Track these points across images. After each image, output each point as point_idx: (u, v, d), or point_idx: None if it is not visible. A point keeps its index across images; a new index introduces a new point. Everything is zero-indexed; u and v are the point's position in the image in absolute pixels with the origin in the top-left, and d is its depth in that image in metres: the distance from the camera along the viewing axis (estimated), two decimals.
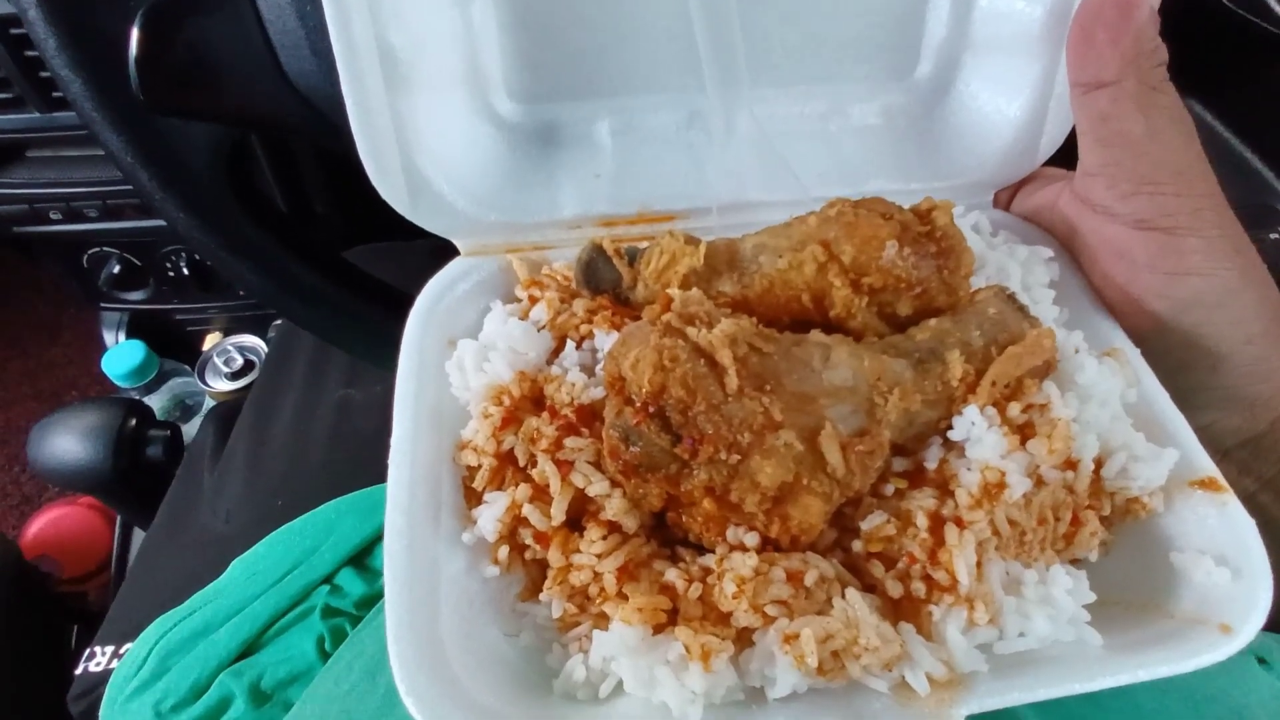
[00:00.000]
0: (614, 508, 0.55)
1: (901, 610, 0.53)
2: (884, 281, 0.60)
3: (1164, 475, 0.58)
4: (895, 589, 0.53)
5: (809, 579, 0.51)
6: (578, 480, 0.56)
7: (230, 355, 1.85)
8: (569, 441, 0.57)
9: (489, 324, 0.65)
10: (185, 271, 1.74)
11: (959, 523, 0.53)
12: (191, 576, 0.96)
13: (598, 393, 0.59)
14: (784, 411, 0.52)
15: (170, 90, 0.76)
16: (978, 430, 0.54)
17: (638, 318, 0.61)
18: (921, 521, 0.53)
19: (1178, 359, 0.66)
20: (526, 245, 0.73)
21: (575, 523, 0.57)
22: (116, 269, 1.74)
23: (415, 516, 0.56)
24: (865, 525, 0.54)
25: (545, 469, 0.57)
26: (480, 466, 0.59)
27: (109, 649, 1.06)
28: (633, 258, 0.66)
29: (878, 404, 0.55)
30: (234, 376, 1.79)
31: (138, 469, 1.50)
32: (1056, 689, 0.50)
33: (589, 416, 0.59)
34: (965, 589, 0.51)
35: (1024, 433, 0.55)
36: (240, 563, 0.95)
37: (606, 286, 0.66)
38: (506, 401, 0.60)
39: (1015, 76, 0.75)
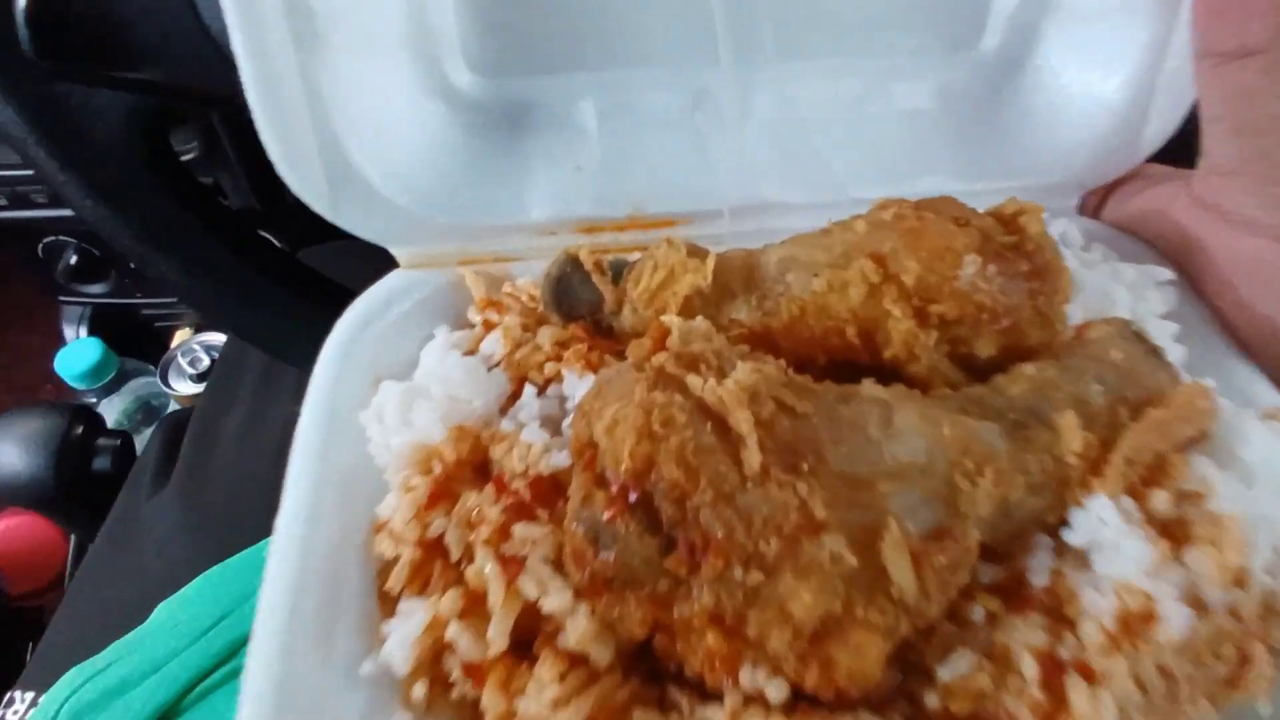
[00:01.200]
0: (578, 632, 0.38)
1: None
2: (961, 311, 0.43)
3: None
4: None
5: None
6: (528, 588, 0.39)
7: (196, 355, 1.68)
8: (519, 529, 0.41)
9: (425, 359, 0.48)
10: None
11: (1087, 674, 0.35)
12: (119, 617, 0.83)
13: (563, 459, 0.43)
14: (828, 505, 0.35)
15: (69, 49, 0.62)
16: (1110, 532, 0.37)
17: (623, 354, 0.44)
18: (1029, 668, 0.36)
19: None
20: (485, 256, 0.57)
21: (525, 646, 0.40)
22: (74, 259, 1.59)
23: (296, 637, 0.39)
24: (945, 673, 0.37)
25: (484, 569, 0.40)
26: (399, 559, 0.43)
27: (29, 695, 0.92)
28: (618, 273, 0.49)
29: (962, 490, 0.38)
30: (200, 378, 1.62)
31: (84, 482, 1.36)
32: None
33: (550, 492, 0.42)
34: None
35: (1174, 535, 0.38)
36: (165, 607, 0.82)
37: (582, 310, 0.49)
38: (437, 469, 0.43)
39: (1112, 45, 0.58)
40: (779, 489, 0.34)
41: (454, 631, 0.39)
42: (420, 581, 0.42)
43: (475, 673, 0.39)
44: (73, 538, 1.63)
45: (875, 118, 0.63)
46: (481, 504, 0.42)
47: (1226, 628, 0.39)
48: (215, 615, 0.77)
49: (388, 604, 0.43)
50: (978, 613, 0.39)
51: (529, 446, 0.43)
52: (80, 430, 1.36)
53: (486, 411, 0.47)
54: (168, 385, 1.71)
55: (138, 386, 1.78)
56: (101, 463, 1.37)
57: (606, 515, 0.35)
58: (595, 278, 0.49)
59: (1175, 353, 0.51)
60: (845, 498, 0.36)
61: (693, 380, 0.37)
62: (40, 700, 0.83)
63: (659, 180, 0.58)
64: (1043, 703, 0.35)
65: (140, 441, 1.39)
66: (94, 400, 1.78)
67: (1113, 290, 0.54)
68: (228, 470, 1.04)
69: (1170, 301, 0.55)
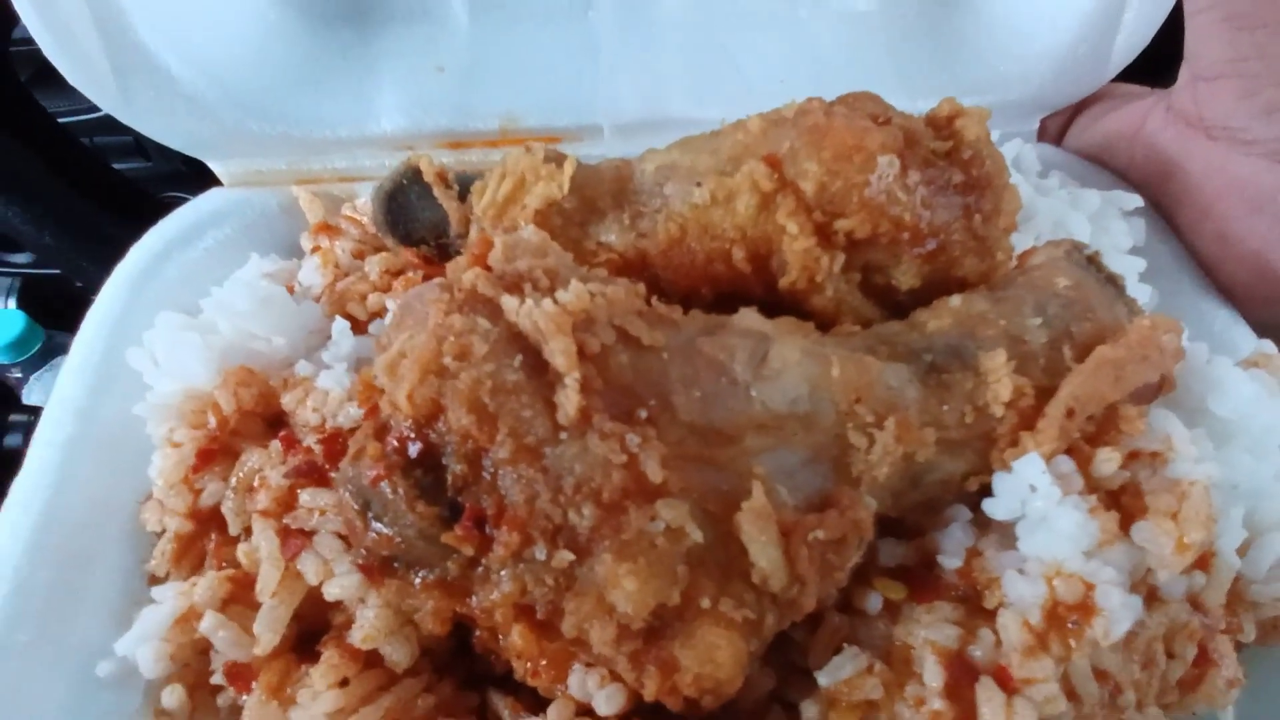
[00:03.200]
0: (368, 624, 0.30)
1: None
2: (873, 227, 0.34)
3: None
4: None
5: None
6: (309, 570, 0.31)
7: None
8: (306, 496, 0.32)
9: (218, 293, 0.39)
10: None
11: (1005, 680, 0.27)
12: None
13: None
14: (669, 464, 0.26)
15: None
16: (1041, 501, 0.29)
17: None
18: (932, 673, 0.28)
19: None
20: (326, 174, 0.48)
21: (311, 641, 0.32)
22: None
23: (18, 613, 0.31)
24: (825, 677, 0.29)
25: (260, 545, 0.31)
26: (165, 532, 0.34)
27: None
28: (465, 188, 0.40)
29: (855, 447, 0.29)
30: None
31: None
32: None
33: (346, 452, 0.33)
34: None
35: (1124, 505, 0.30)
36: None
37: (423, 231, 0.40)
38: (211, 422, 0.35)
39: None
40: (601, 442, 0.26)
41: (210, 626, 0.30)
42: (191, 561, 0.34)
43: (240, 675, 0.31)
44: None
45: (806, 21, 0.54)
46: (265, 465, 0.33)
47: (1183, 620, 0.31)
48: None
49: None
50: (874, 602, 0.30)
51: (326, 394, 0.34)
52: None
53: (291, 351, 0.38)
54: None
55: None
56: (13, 440, 1.30)
57: (372, 475, 0.26)
58: (438, 192, 0.40)
59: (1141, 294, 0.43)
60: (695, 455, 0.27)
61: (508, 302, 0.28)
62: None
63: (538, 87, 0.48)
64: (946, 714, 0.27)
65: None
66: (19, 375, 1.67)
67: (1070, 220, 0.45)
68: None
69: (1138, 234, 0.46)
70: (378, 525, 0.27)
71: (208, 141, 0.45)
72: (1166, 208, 0.48)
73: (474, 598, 0.27)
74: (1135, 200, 0.45)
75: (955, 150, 0.37)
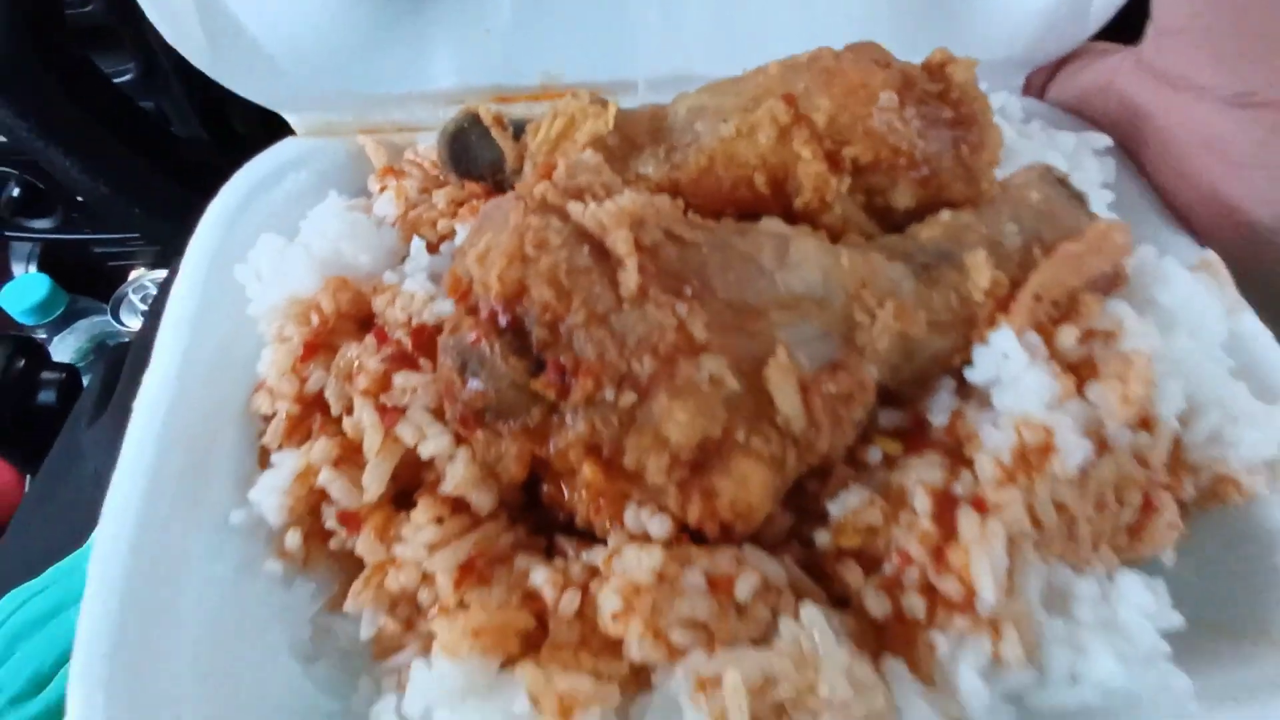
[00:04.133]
0: (457, 476, 0.36)
1: (888, 637, 0.34)
2: (875, 154, 0.41)
3: (1275, 443, 0.40)
4: (879, 604, 0.34)
5: (742, 589, 0.32)
6: (406, 434, 0.37)
7: (147, 291, 1.62)
8: (399, 378, 0.38)
9: (311, 219, 0.45)
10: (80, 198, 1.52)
11: (980, 506, 0.34)
12: (59, 544, 0.81)
13: (448, 308, 0.40)
14: (711, 329, 0.33)
15: None
16: (1012, 367, 0.36)
17: None
18: (922, 503, 0.34)
19: None
20: (387, 125, 0.54)
21: (408, 498, 0.38)
22: (17, 191, 1.52)
23: (160, 487, 0.37)
24: (836, 508, 0.35)
25: (362, 417, 0.38)
26: (275, 415, 0.40)
27: None
28: (520, 131, 0.47)
29: (860, 324, 0.36)
30: None
31: (28, 416, 1.32)
32: None
33: (432, 343, 0.39)
34: (989, 607, 0.32)
35: (1081, 373, 0.37)
36: None
37: (482, 168, 0.47)
38: (315, 320, 0.41)
39: None
40: (657, 310, 0.32)
41: (326, 478, 0.37)
42: (299, 437, 0.40)
43: (351, 521, 0.37)
44: (28, 479, 1.60)
45: None
46: (361, 355, 0.39)
47: (1130, 471, 0.37)
48: None
49: (267, 461, 0.40)
50: (875, 455, 0.37)
51: (412, 296, 0.40)
52: (23, 363, 1.32)
53: (374, 268, 0.44)
54: (120, 322, 1.66)
55: (90, 326, 1.72)
56: (46, 396, 1.34)
57: (472, 338, 0.32)
58: (495, 133, 0.46)
59: None
60: (731, 324, 0.33)
61: (574, 206, 0.34)
62: None
63: (574, 47, 0.54)
64: (933, 534, 0.34)
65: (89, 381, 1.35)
66: (44, 337, 1.73)
67: (1048, 158, 0.51)
68: None
69: (1109, 172, 0.52)
70: (474, 382, 0.33)
71: (284, 96, 0.52)
72: (1134, 149, 0.54)
73: (551, 442, 0.34)
74: (1105, 140, 0.52)
75: (946, 91, 0.44)
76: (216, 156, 0.78)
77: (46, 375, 1.37)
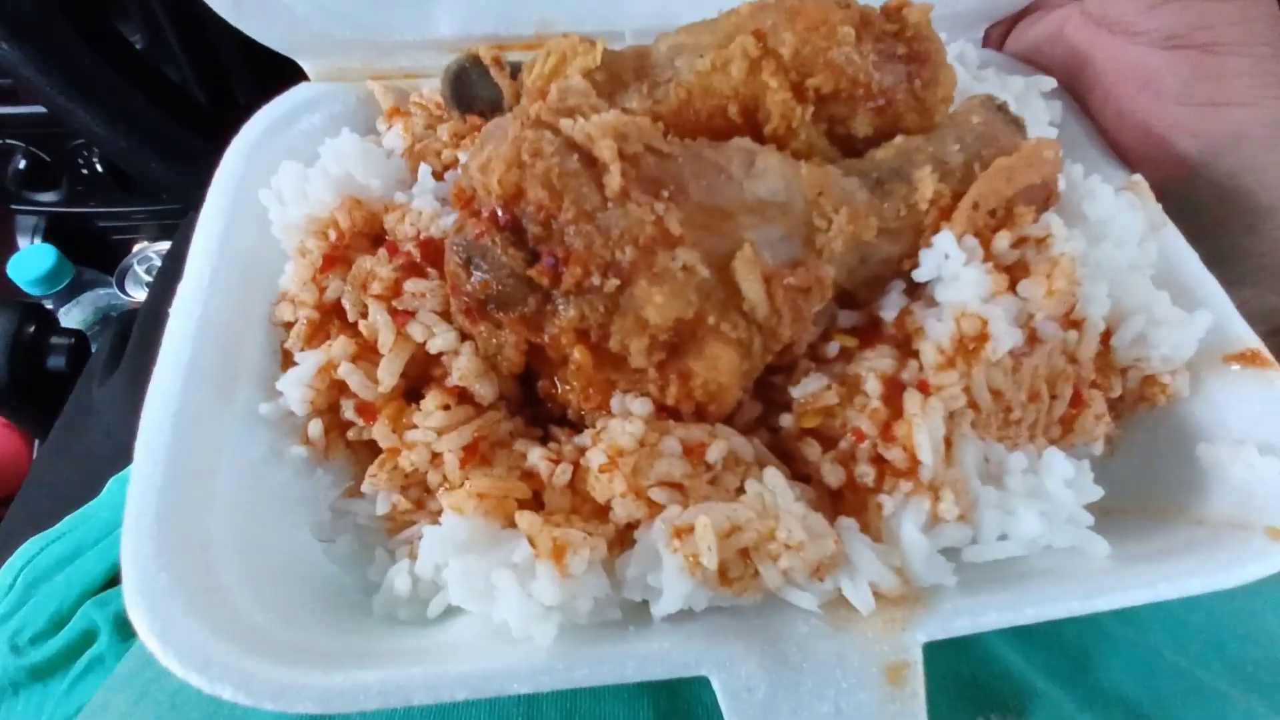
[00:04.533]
0: (462, 368, 0.41)
1: (843, 503, 0.39)
2: (836, 85, 0.45)
3: (1193, 345, 0.44)
4: (835, 475, 0.39)
5: (714, 453, 0.37)
6: (416, 333, 0.42)
7: (152, 263, 1.66)
8: (410, 285, 0.43)
9: (327, 148, 0.49)
10: (100, 170, 1.55)
11: (923, 388, 0.39)
12: (73, 495, 0.85)
13: (453, 223, 0.45)
14: (686, 225, 0.37)
15: None
16: (952, 265, 0.40)
17: None
18: (873, 387, 0.39)
19: (1209, 217, 0.52)
20: (394, 71, 0.58)
21: (416, 395, 0.43)
22: (22, 164, 1.55)
23: (196, 380, 0.41)
24: (797, 392, 0.40)
25: (376, 319, 0.42)
26: (297, 322, 0.45)
27: None
28: (516, 71, 0.51)
29: (818, 228, 0.40)
30: None
31: (38, 379, 1.36)
32: (1048, 608, 0.36)
33: (439, 254, 0.44)
34: (929, 473, 0.37)
35: (1014, 274, 0.41)
36: (116, 481, 0.83)
37: (481, 104, 0.51)
38: (332, 236, 0.45)
39: None
40: (637, 208, 0.37)
41: (345, 371, 0.41)
42: (319, 340, 0.45)
43: (367, 411, 0.42)
44: (36, 443, 1.63)
45: None
46: (374, 266, 0.44)
47: (1059, 366, 0.42)
48: None
49: (289, 364, 0.45)
50: (833, 348, 0.42)
51: (420, 213, 0.45)
52: (33, 329, 1.35)
53: (384, 192, 0.48)
54: (125, 292, 1.70)
55: (96, 297, 1.76)
56: (56, 361, 1.37)
57: (475, 234, 0.37)
58: (494, 73, 0.50)
59: None
60: (703, 224, 0.38)
61: (565, 122, 0.39)
62: None
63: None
64: (882, 412, 0.38)
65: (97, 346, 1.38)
66: (50, 307, 1.76)
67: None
68: None
69: (1055, 113, 0.57)
70: (477, 273, 0.37)
71: (300, 43, 0.56)
72: (1080, 94, 0.58)
73: (545, 329, 0.38)
74: (1051, 83, 0.56)
75: (901, 31, 0.48)
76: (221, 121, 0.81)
77: (56, 340, 1.41)
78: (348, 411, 0.42)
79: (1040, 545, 0.38)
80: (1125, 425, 0.48)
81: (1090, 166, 0.54)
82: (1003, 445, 0.40)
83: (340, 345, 0.42)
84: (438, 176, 0.49)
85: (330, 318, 0.45)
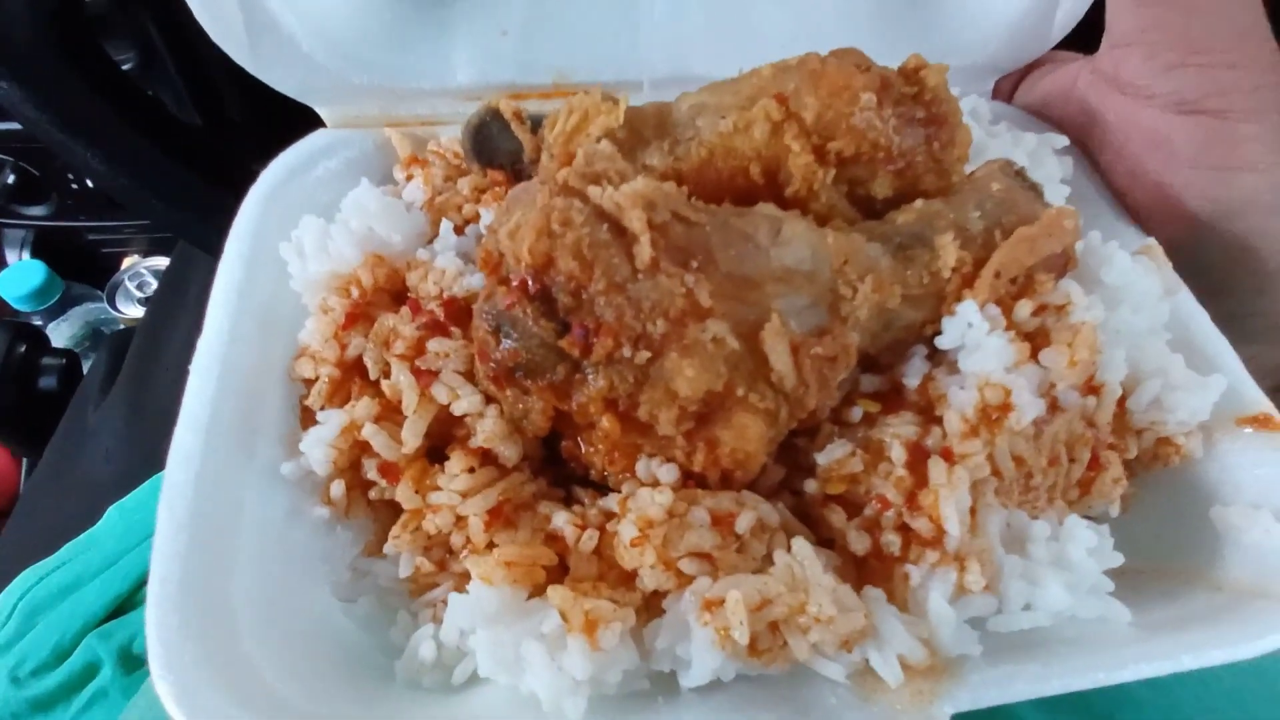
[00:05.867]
0: (487, 431, 0.41)
1: (868, 571, 0.39)
2: (857, 148, 0.46)
3: (1207, 409, 0.45)
4: (860, 542, 0.39)
5: (742, 524, 0.37)
6: (440, 394, 0.41)
7: (143, 278, 1.65)
8: (433, 344, 0.43)
9: (347, 201, 0.49)
10: (90, 184, 1.54)
11: (948, 456, 0.39)
12: (68, 523, 0.83)
13: (476, 282, 0.45)
14: (715, 297, 0.37)
15: None
16: (975, 335, 0.41)
17: None
18: (898, 454, 0.39)
19: (1219, 277, 0.53)
20: (411, 119, 0.58)
21: (439, 455, 0.43)
22: (11, 179, 1.54)
23: (216, 440, 0.41)
24: (823, 459, 0.40)
25: (399, 379, 0.42)
26: (318, 379, 0.45)
27: None
28: (537, 124, 0.51)
29: (844, 296, 0.40)
30: (148, 302, 1.61)
31: (29, 401, 1.34)
32: (1074, 680, 0.36)
33: (462, 313, 0.44)
34: (955, 543, 0.37)
35: (1035, 342, 0.42)
36: (117, 509, 0.82)
37: (502, 158, 0.51)
38: (354, 293, 0.45)
39: None
40: (668, 279, 0.37)
41: (369, 432, 0.41)
42: (340, 398, 0.44)
43: (390, 471, 0.42)
44: (24, 463, 1.61)
45: None
46: (397, 324, 0.44)
47: (1080, 430, 0.43)
48: None
49: (310, 423, 0.44)
50: (856, 414, 0.42)
51: (443, 271, 0.45)
52: (24, 349, 1.33)
53: (405, 247, 0.48)
54: (115, 308, 1.68)
55: (85, 312, 1.74)
56: (47, 382, 1.35)
57: (506, 304, 0.37)
58: (515, 127, 0.51)
59: None
60: (732, 294, 0.38)
61: (593, 190, 0.39)
62: None
63: (584, 48, 0.59)
64: (907, 480, 0.38)
65: (89, 366, 1.37)
66: (39, 323, 1.74)
67: (1013, 156, 0.56)
68: (172, 379, 1.03)
69: (1067, 170, 0.58)
70: (507, 342, 0.37)
71: (317, 89, 0.56)
72: (1091, 150, 0.59)
73: (573, 397, 0.38)
74: (1063, 140, 0.57)
75: (920, 94, 0.49)
76: (215, 142, 0.81)
77: (47, 361, 1.39)
78: (370, 471, 0.42)
79: (1064, 616, 0.39)
80: (1138, 483, 0.49)
81: (1102, 224, 0.55)
82: (1024, 512, 0.41)
83: (364, 406, 0.42)
84: (459, 231, 0.49)
85: (351, 374, 0.44)
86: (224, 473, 0.40)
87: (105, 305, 1.68)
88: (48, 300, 1.66)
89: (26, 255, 1.69)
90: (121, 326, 1.67)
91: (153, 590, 0.36)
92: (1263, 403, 0.46)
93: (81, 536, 0.81)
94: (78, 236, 1.69)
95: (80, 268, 1.76)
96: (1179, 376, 0.45)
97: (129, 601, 0.74)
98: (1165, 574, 0.45)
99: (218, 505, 0.39)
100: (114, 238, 1.71)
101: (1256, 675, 0.45)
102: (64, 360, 1.35)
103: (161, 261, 1.67)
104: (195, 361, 0.44)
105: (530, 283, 0.37)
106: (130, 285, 1.65)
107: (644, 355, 0.36)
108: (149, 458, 0.89)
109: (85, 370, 1.42)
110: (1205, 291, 0.50)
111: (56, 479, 1.08)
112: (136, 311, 1.64)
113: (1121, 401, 0.45)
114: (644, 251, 0.37)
